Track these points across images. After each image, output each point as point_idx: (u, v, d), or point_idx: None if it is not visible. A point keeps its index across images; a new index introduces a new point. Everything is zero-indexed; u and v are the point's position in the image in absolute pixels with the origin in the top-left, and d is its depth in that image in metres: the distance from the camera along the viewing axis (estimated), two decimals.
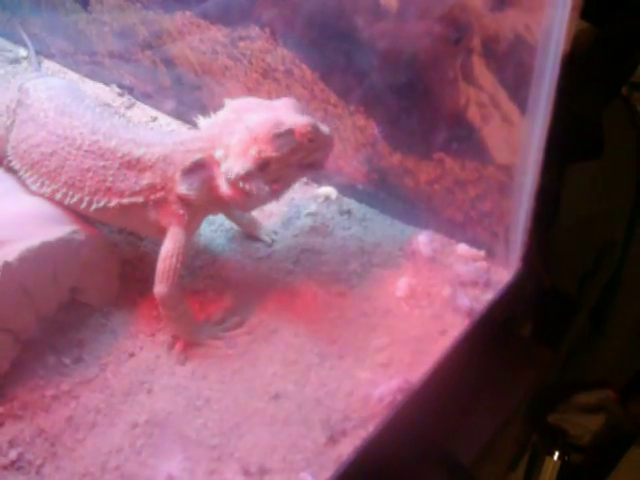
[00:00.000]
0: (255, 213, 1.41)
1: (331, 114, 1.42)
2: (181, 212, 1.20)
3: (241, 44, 1.50)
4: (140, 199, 1.21)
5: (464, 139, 1.27)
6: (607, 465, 1.59)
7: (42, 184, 1.27)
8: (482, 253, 1.35)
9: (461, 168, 1.31)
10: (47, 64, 1.93)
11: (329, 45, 1.36)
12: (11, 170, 1.33)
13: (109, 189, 1.22)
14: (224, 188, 1.17)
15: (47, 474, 1.04)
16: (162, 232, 1.21)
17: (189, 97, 1.70)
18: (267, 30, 1.44)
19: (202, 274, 1.35)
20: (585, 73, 1.34)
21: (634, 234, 1.57)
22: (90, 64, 1.87)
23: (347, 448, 1.05)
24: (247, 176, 1.14)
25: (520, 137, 1.18)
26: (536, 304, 1.49)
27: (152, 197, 1.20)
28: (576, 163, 1.47)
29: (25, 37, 1.91)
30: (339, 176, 1.51)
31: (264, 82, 1.51)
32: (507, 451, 1.55)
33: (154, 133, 1.34)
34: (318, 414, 1.10)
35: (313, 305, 1.27)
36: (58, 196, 1.25)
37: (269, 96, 1.48)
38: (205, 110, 1.22)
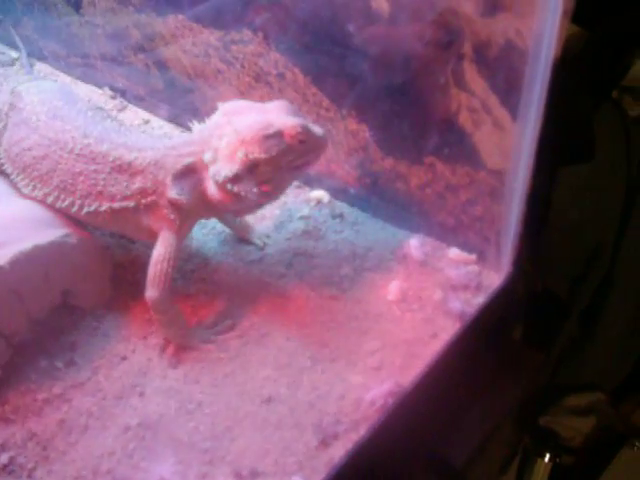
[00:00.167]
0: (247, 216, 1.41)
1: (323, 118, 1.42)
2: (172, 217, 1.20)
3: (234, 48, 1.50)
4: (131, 203, 1.21)
5: (455, 144, 1.28)
6: (598, 467, 1.60)
7: (34, 187, 1.27)
8: (473, 257, 1.36)
9: (452, 173, 1.31)
10: (39, 66, 1.92)
11: (321, 49, 1.36)
12: (3, 173, 1.33)
13: (100, 193, 1.22)
14: (213, 191, 1.18)
15: (39, 478, 1.04)
16: (153, 236, 1.21)
17: (182, 100, 1.69)
18: (260, 34, 1.44)
19: (194, 278, 1.35)
20: (576, 76, 1.35)
21: (624, 237, 1.57)
22: (82, 67, 1.87)
23: (339, 451, 1.06)
24: (235, 178, 1.14)
25: (511, 142, 1.19)
26: (527, 307, 1.50)
27: (143, 201, 1.20)
28: (567, 166, 1.48)
29: (17, 39, 1.90)
30: (331, 180, 1.51)
31: (256, 86, 1.51)
32: (498, 453, 1.55)
33: (146, 137, 1.34)
34: (310, 417, 1.10)
35: (305, 309, 1.28)
36: (50, 199, 1.25)
37: (261, 100, 1.48)
38: (197, 113, 1.23)
